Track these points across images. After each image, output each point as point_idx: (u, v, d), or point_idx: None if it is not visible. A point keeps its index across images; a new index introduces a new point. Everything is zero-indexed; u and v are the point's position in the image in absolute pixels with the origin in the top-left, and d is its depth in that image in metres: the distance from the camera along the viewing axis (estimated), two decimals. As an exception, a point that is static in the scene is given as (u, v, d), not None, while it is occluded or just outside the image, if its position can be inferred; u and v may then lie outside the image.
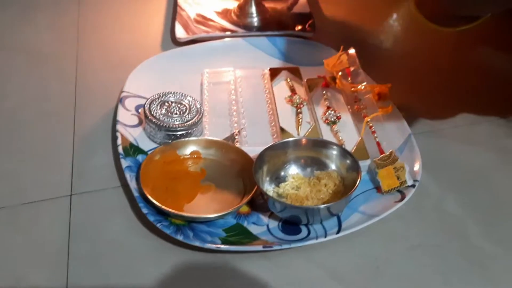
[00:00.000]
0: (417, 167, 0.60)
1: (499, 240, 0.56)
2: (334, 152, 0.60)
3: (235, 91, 0.72)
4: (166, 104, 0.65)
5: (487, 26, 0.60)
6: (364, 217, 0.56)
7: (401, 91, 0.69)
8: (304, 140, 0.60)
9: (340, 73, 0.71)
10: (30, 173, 0.62)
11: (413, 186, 0.58)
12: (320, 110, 0.68)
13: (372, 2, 0.93)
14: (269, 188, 0.59)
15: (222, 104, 0.70)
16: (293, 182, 0.59)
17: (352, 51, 0.73)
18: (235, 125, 0.67)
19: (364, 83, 0.69)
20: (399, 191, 0.58)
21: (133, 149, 0.62)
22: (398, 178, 0.58)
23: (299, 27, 0.83)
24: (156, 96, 0.66)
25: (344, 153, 0.59)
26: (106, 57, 0.80)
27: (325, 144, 0.60)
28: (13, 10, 0.90)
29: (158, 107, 0.65)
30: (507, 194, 0.61)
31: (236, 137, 0.65)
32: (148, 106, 0.65)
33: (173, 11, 0.88)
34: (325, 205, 0.54)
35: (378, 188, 0.59)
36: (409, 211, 0.58)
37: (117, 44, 0.83)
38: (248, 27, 0.84)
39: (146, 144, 0.64)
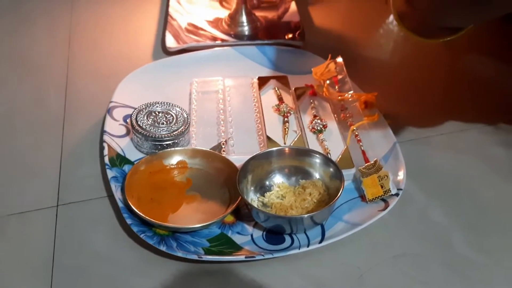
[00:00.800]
0: (401, 175, 0.60)
1: (484, 249, 0.56)
2: (318, 160, 0.60)
3: (224, 100, 0.72)
4: (153, 114, 0.66)
5: (474, 35, 0.60)
6: (348, 226, 0.56)
7: (387, 100, 0.69)
8: (287, 149, 0.61)
9: (327, 81, 0.71)
10: (17, 183, 0.62)
11: (396, 194, 0.58)
12: (307, 119, 0.69)
13: (361, 12, 0.93)
14: (254, 198, 0.59)
15: (210, 113, 0.71)
16: (278, 191, 0.59)
17: (340, 59, 0.73)
18: (223, 134, 0.67)
19: (351, 92, 0.69)
20: (383, 199, 0.58)
21: (119, 160, 0.63)
22: (382, 186, 0.58)
23: (289, 36, 0.84)
24: (143, 106, 0.67)
25: (327, 161, 0.59)
26: (96, 67, 0.80)
27: (308, 153, 0.60)
28: (5, 20, 0.90)
29: (145, 117, 0.65)
30: (493, 203, 0.61)
31: (223, 146, 0.65)
32: (135, 116, 0.65)
33: (164, 21, 0.88)
34: (308, 214, 0.54)
35: (362, 196, 0.59)
36: (393, 220, 0.58)
37: (108, 54, 0.83)
38: (239, 36, 0.85)
39: (133, 154, 0.64)
